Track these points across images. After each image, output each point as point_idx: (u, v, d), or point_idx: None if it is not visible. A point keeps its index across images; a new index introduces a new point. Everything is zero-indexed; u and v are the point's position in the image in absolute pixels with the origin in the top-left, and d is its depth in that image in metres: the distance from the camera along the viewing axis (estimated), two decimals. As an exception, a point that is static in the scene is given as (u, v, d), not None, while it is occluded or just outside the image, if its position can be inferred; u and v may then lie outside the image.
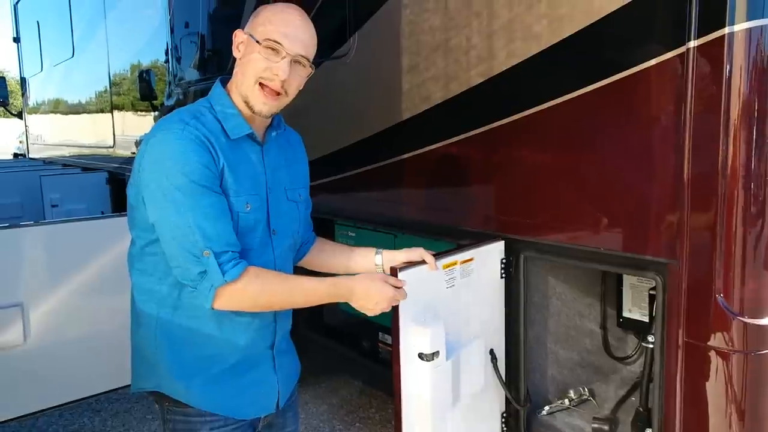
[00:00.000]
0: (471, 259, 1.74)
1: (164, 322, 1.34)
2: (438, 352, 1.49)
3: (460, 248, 1.75)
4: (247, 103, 1.32)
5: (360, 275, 1.41)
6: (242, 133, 1.33)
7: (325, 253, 1.64)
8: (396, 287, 1.38)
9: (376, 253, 1.58)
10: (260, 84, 1.30)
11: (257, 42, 1.29)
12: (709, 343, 1.43)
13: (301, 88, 1.37)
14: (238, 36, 1.35)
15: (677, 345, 1.48)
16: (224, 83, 1.39)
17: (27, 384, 2.27)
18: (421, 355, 1.48)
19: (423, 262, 1.53)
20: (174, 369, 1.35)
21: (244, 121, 1.34)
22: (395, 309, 1.43)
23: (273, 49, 1.29)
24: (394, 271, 1.46)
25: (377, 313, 1.37)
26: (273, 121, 1.42)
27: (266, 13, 1.34)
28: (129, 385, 2.52)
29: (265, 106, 1.32)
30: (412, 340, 1.48)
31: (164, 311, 1.34)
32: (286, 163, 1.47)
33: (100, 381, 2.45)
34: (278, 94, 1.31)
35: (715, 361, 1.43)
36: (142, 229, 1.32)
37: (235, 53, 1.36)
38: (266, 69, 1.29)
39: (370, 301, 1.35)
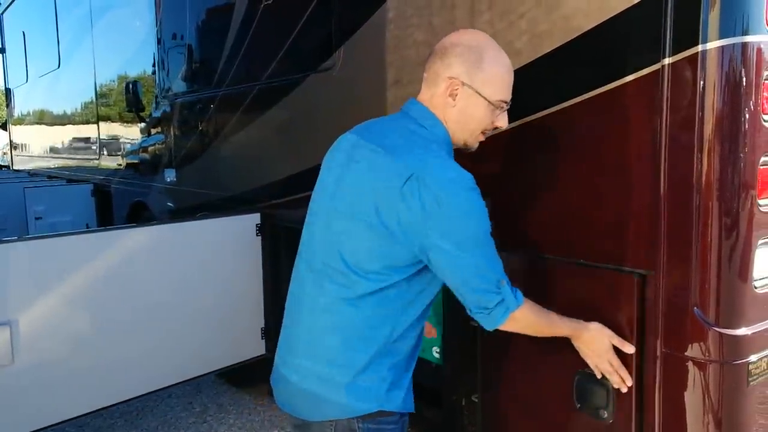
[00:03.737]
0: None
1: (391, 349, 1.40)
2: None
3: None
4: (465, 145, 1.47)
5: (595, 324, 1.52)
6: None
7: None
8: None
9: None
10: (483, 133, 1.46)
11: (486, 100, 1.39)
12: (686, 354, 1.46)
13: None
14: (453, 83, 1.38)
15: (655, 355, 1.51)
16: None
17: (15, 405, 2.22)
18: None
19: None
20: (396, 387, 1.41)
21: None
22: None
23: (500, 108, 1.42)
24: None
25: (602, 361, 1.51)
26: None
27: (495, 67, 1.40)
28: (115, 405, 2.52)
29: (478, 144, 1.48)
30: None
31: (395, 338, 1.40)
32: None
33: (90, 400, 2.41)
34: None
35: (692, 371, 1.45)
36: (397, 266, 1.35)
37: (447, 99, 1.40)
38: (490, 123, 1.43)
39: (596, 347, 1.50)
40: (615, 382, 1.52)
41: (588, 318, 1.52)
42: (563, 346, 1.52)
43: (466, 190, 1.30)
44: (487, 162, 1.91)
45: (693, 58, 1.41)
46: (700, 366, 1.44)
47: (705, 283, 1.43)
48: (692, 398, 1.47)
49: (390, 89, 2.25)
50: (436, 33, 2.04)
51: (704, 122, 1.41)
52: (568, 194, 1.69)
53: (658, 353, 1.50)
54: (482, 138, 1.48)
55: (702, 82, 1.41)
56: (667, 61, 1.44)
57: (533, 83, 1.75)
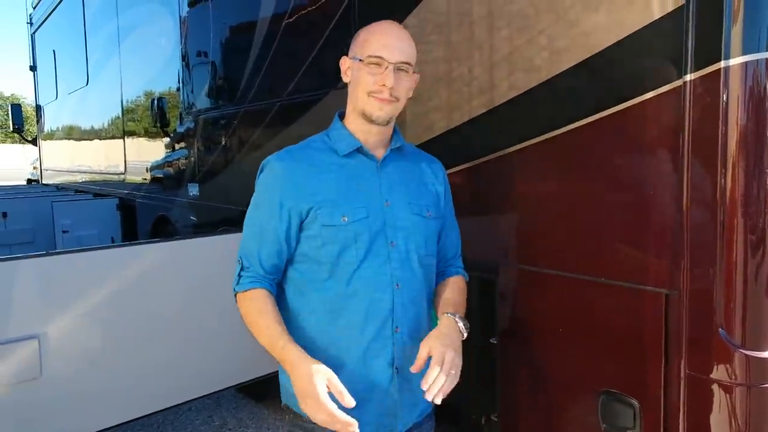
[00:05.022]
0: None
1: (294, 334, 1.38)
2: None
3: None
4: (364, 114, 1.43)
5: (313, 362, 1.27)
6: (351, 149, 1.45)
7: (437, 292, 1.56)
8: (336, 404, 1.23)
9: (447, 315, 1.46)
10: (373, 96, 1.42)
11: (361, 61, 1.41)
12: (711, 376, 1.42)
13: (411, 94, 1.49)
14: (345, 62, 1.47)
15: (679, 377, 1.47)
16: (342, 116, 1.52)
17: (44, 418, 2.24)
18: None
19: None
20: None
21: (353, 138, 1.46)
22: None
23: (376, 64, 1.39)
24: None
25: (309, 412, 1.24)
26: (392, 140, 1.51)
27: (363, 33, 1.45)
28: (140, 418, 2.55)
29: (381, 111, 1.42)
30: None
31: (299, 337, 1.38)
32: (409, 178, 1.51)
33: (115, 413, 2.42)
34: (390, 100, 1.41)
35: (718, 394, 1.41)
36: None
37: (345, 79, 1.48)
38: (374, 83, 1.40)
39: (298, 391, 1.27)
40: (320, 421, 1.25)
41: (612, 338, 1.47)
42: (587, 363, 1.49)
43: (261, 169, 1.48)
44: (509, 179, 1.91)
45: (715, 75, 1.39)
46: (726, 389, 1.40)
47: (730, 303, 1.40)
48: (718, 422, 1.43)
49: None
50: (454, 50, 2.05)
51: (728, 138, 1.39)
52: (589, 211, 1.67)
53: (683, 375, 1.46)
54: (376, 103, 1.40)
55: (725, 98, 1.38)
56: (689, 77, 1.43)
57: (553, 99, 1.74)
